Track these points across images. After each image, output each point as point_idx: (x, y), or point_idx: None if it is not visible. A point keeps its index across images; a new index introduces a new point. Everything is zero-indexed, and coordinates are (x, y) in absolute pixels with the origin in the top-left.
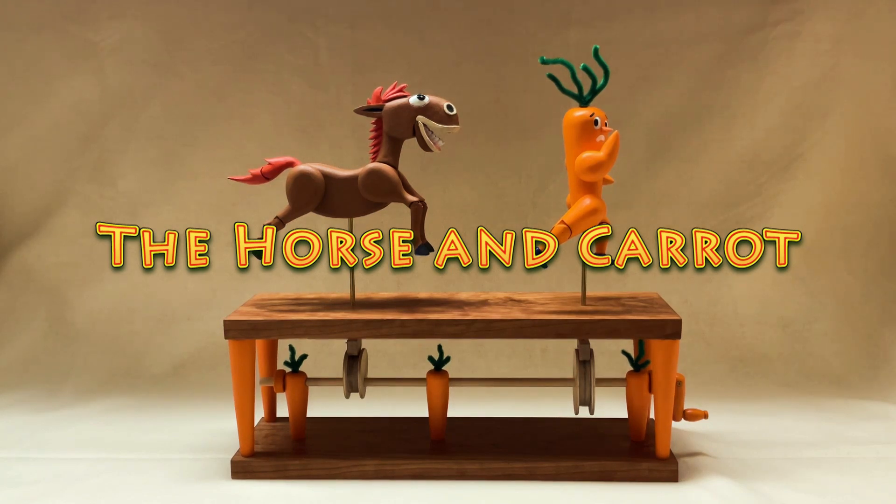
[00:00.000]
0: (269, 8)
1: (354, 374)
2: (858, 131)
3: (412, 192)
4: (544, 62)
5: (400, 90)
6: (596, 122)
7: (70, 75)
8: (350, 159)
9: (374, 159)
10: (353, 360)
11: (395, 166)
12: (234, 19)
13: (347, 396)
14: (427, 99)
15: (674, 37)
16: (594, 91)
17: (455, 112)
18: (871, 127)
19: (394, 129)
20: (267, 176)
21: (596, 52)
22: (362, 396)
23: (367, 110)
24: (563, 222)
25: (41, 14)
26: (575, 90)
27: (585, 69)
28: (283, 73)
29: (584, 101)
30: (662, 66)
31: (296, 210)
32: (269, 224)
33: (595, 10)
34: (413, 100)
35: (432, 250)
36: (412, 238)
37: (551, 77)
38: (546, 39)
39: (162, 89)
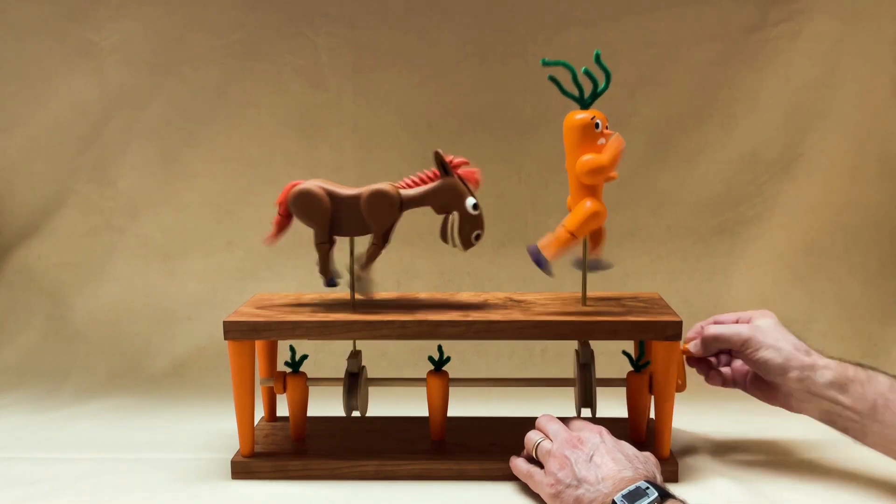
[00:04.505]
0: (269, 8)
1: (354, 396)
2: (858, 131)
3: (387, 235)
4: (546, 64)
5: (475, 177)
6: (597, 126)
7: (70, 75)
8: (350, 159)
9: (400, 187)
10: (354, 377)
11: (404, 206)
12: (234, 19)
13: (348, 415)
14: (477, 212)
15: (674, 37)
16: (595, 94)
17: (477, 242)
18: (871, 127)
19: (435, 199)
20: (283, 214)
21: (597, 56)
22: (363, 415)
23: (440, 163)
24: (566, 229)
25: (41, 14)
26: (576, 93)
27: (587, 73)
28: (283, 73)
29: (584, 104)
30: (662, 66)
31: (318, 225)
32: (318, 261)
33: (595, 10)
34: (469, 203)
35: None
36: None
37: (552, 79)
38: (546, 39)
39: (162, 89)
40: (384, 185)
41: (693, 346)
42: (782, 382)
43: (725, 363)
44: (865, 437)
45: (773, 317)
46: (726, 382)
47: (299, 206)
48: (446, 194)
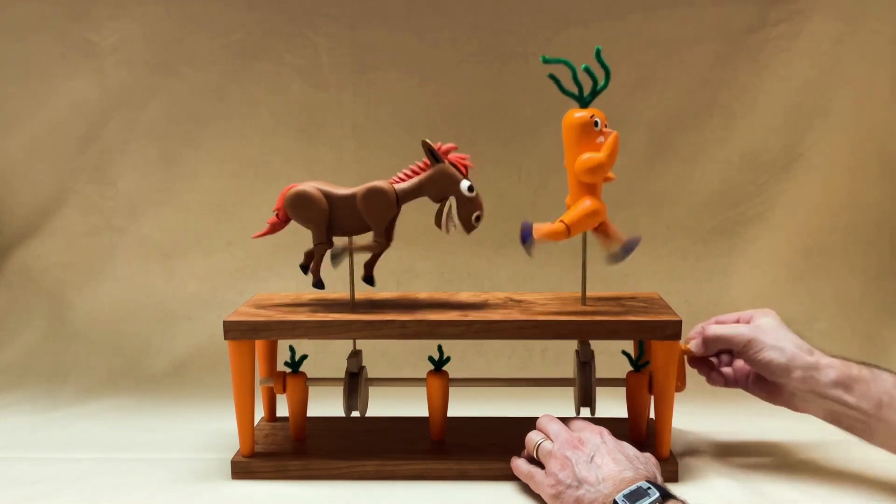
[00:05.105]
0: (269, 8)
1: (355, 397)
2: (858, 131)
3: (389, 232)
4: (546, 61)
5: (465, 162)
6: (596, 124)
7: (70, 75)
8: (349, 159)
9: (392, 182)
10: (354, 377)
11: (400, 200)
12: (234, 19)
13: (348, 415)
14: (474, 193)
15: (674, 37)
16: (594, 92)
17: (478, 224)
18: (871, 127)
19: (430, 187)
20: (281, 217)
21: (598, 53)
22: (362, 415)
23: (429, 152)
24: (562, 222)
25: (41, 14)
26: (576, 91)
27: (587, 70)
28: (283, 73)
29: (584, 102)
30: (662, 66)
31: (316, 226)
32: (309, 251)
33: (595, 10)
34: (465, 186)
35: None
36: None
37: (552, 77)
38: (546, 39)
39: (162, 89)
40: (379, 182)
41: (694, 346)
42: (786, 382)
43: (727, 363)
44: (873, 436)
45: (774, 315)
46: (728, 383)
47: (296, 208)
48: (440, 181)
